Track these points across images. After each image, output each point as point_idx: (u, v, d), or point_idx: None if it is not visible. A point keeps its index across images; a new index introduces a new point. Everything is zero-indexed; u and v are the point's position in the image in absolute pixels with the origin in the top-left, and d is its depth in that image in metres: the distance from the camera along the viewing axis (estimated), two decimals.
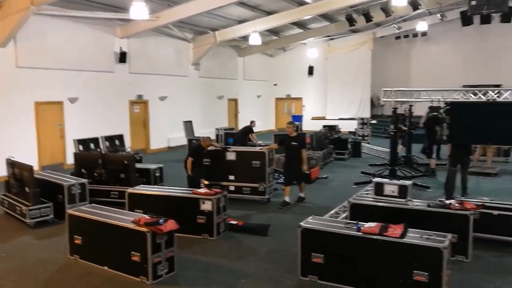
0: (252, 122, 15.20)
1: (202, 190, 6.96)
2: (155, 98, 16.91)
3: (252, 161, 8.87)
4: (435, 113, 9.54)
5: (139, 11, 11.11)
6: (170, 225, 5.25)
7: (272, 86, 25.80)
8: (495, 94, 8.79)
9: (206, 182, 8.07)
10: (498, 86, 14.06)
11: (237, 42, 20.93)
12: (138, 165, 9.49)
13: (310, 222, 5.41)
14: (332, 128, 16.32)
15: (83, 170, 8.95)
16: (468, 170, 10.71)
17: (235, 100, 22.80)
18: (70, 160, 12.13)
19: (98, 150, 11.00)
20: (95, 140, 11.46)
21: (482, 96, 8.91)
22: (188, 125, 16.14)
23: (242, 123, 22.26)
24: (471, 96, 9.04)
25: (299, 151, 8.42)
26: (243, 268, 5.62)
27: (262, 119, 24.50)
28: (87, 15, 12.99)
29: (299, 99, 25.57)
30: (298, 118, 21.36)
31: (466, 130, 7.93)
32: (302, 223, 5.30)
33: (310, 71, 24.64)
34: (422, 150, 11.77)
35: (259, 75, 24.77)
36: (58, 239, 6.70)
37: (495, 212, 6.27)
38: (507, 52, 21.18)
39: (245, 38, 18.89)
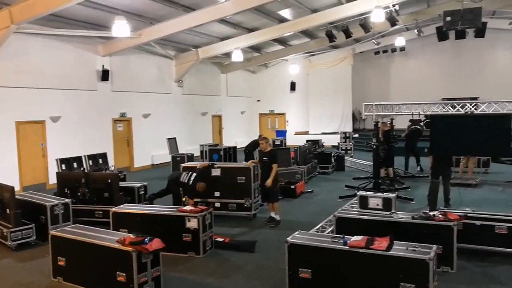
0: (260, 136, 15.32)
1: (188, 208, 6.91)
2: (138, 116, 16.84)
3: (237, 176, 8.86)
4: (416, 126, 9.75)
5: (121, 29, 11.14)
6: (156, 244, 5.19)
7: (256, 102, 26.00)
8: (473, 106, 9.01)
9: (191, 201, 8.01)
10: (475, 99, 14.46)
11: (220, 59, 21.09)
12: (122, 184, 9.40)
13: (297, 237, 5.41)
14: (315, 143, 16.47)
15: (66, 190, 8.81)
16: (450, 182, 10.93)
17: (219, 116, 22.86)
18: (52, 180, 11.94)
19: (81, 169, 10.85)
20: (78, 159, 11.30)
21: (460, 109, 9.12)
22: (172, 142, 16.09)
23: (226, 139, 22.31)
24: (450, 109, 9.25)
25: (270, 167, 8.27)
26: (230, 285, 5.58)
27: (247, 134, 24.56)
28: (68, 33, 12.94)
29: (283, 114, 25.78)
30: (282, 133, 21.51)
31: (446, 142, 8.10)
32: (289, 239, 5.30)
33: (292, 86, 24.93)
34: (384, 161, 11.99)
35: (242, 92, 24.94)
36: (41, 261, 6.55)
37: (478, 223, 6.37)
38: (482, 66, 21.88)
39: (227, 55, 19.06)
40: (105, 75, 14.96)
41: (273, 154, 8.46)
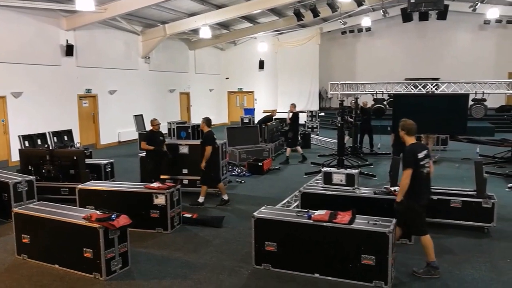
0: (292, 104, 15.65)
1: (155, 185, 6.93)
2: (104, 92, 16.48)
3: None
4: (380, 105, 10.03)
5: (85, 2, 10.80)
6: (123, 220, 5.22)
7: (224, 80, 25.84)
8: (434, 86, 9.33)
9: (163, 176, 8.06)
10: (436, 79, 14.96)
11: (188, 35, 20.75)
12: (88, 161, 9.28)
13: (263, 212, 5.55)
14: (283, 121, 16.63)
15: (30, 167, 8.62)
16: None
17: (187, 94, 22.62)
18: (15, 157, 11.61)
19: (46, 146, 10.61)
20: (42, 136, 11.02)
21: (422, 89, 9.42)
22: (139, 119, 15.88)
23: (195, 117, 22.17)
24: (412, 89, 9.54)
25: (204, 148, 8.03)
26: (198, 259, 5.69)
27: (215, 112, 24.50)
28: (28, 5, 12.40)
29: (251, 92, 25.77)
30: (250, 111, 21.56)
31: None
32: (255, 214, 5.44)
33: (261, 65, 24.91)
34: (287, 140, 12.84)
35: (211, 69, 24.72)
36: (5, 239, 6.47)
37: (435, 197, 6.68)
38: (443, 48, 22.55)
39: (195, 31, 18.77)
40: (69, 50, 14.49)
41: (206, 136, 8.11)
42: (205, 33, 16.93)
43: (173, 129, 15.67)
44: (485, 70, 20.81)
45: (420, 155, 5.03)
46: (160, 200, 6.62)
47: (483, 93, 9.19)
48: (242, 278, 5.13)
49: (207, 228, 6.93)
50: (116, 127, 16.99)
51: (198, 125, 15.87)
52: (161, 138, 8.95)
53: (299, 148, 12.95)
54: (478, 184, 6.61)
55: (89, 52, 15.53)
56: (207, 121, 8.27)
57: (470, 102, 9.32)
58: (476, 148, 13.38)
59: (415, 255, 5.70)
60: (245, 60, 25.14)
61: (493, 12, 19.35)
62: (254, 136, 12.95)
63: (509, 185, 9.25)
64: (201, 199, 8.16)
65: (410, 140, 5.20)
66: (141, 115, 16.10)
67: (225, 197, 8.34)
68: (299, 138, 14.05)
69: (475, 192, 6.63)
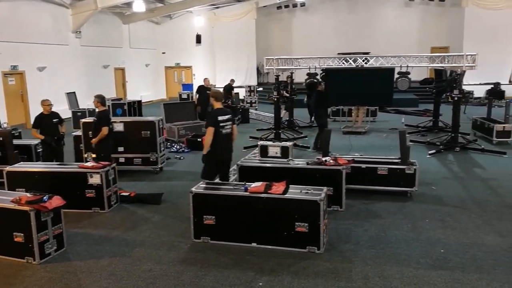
0: (232, 80, 16.54)
1: (89, 164, 6.78)
2: (32, 69, 15.56)
3: (142, 131, 8.79)
4: (313, 79, 10.35)
5: None
6: (56, 201, 5.09)
7: (161, 55, 25.24)
8: (363, 61, 9.74)
9: (93, 155, 7.79)
10: (367, 53, 15.58)
11: (121, 8, 19.94)
12: (16, 142, 8.82)
13: (201, 186, 5.65)
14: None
15: None
16: (342, 130, 11.96)
17: (122, 69, 21.88)
18: None
19: None
20: None
21: (352, 63, 9.81)
22: (72, 96, 15.21)
23: (131, 93, 21.56)
24: (343, 63, 9.91)
25: (99, 128, 7.56)
26: (137, 237, 5.70)
27: (152, 88, 23.95)
28: None
29: (189, 67, 25.39)
30: (189, 86, 21.33)
31: (340, 93, 8.78)
32: (193, 189, 5.52)
33: (198, 39, 24.52)
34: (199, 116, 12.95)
35: (146, 43, 24.01)
36: None
37: (363, 166, 7.15)
38: (373, 23, 23.44)
39: (128, 4, 18.07)
40: None
41: (101, 116, 7.61)
42: (139, 6, 16.40)
43: (108, 106, 15.20)
44: (410, 44, 21.94)
45: (221, 118, 5.98)
46: (95, 179, 6.50)
47: (407, 66, 9.77)
48: (181, 252, 5.22)
49: (145, 205, 6.91)
50: None
51: (134, 102, 15.56)
52: (54, 121, 7.95)
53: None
54: (402, 152, 7.11)
55: (12, 25, 14.53)
56: (101, 99, 7.69)
57: (396, 75, 9.89)
58: (401, 118, 14.23)
59: (346, 220, 6.09)
60: (181, 35, 24.63)
61: None
62: (191, 111, 12.89)
63: (430, 152, 10.01)
64: None
65: (217, 105, 6.16)
66: (74, 92, 15.42)
67: None
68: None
69: (400, 160, 7.13)
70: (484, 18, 20.65)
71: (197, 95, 13.41)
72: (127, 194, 7.18)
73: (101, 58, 19.85)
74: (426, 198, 6.96)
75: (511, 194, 7.11)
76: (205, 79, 13.33)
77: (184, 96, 18.42)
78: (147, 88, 23.66)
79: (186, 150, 10.93)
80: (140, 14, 20.50)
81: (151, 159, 8.82)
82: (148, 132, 8.78)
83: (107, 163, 6.88)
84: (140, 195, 7.29)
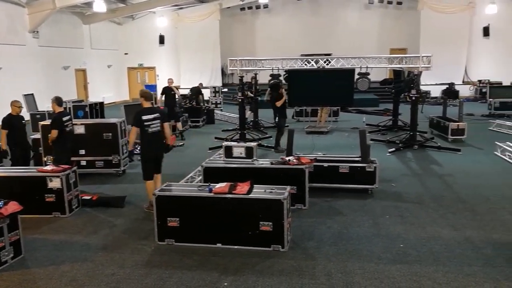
0: (200, 84, 16.96)
1: (49, 168, 6.60)
2: None
3: (103, 133, 8.63)
4: (276, 80, 10.47)
5: None
6: (12, 207, 4.92)
7: (123, 56, 24.83)
8: (325, 62, 9.95)
9: (52, 159, 7.57)
10: (329, 55, 15.90)
11: (81, 8, 19.45)
12: None
13: (164, 189, 5.61)
14: (186, 97, 16.56)
15: None
16: (305, 130, 12.16)
17: (83, 71, 21.34)
18: None
19: None
20: None
21: (314, 64, 10.00)
22: (30, 98, 14.66)
23: (93, 95, 21.07)
24: (306, 64, 10.08)
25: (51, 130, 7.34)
26: (99, 241, 5.60)
27: (115, 89, 23.50)
28: None
29: (153, 68, 25.09)
30: (152, 87, 21.06)
31: (302, 94, 8.93)
32: (156, 191, 5.48)
33: (161, 40, 24.32)
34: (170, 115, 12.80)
35: (108, 44, 23.53)
36: None
37: (326, 164, 7.30)
38: (335, 25, 23.93)
39: (88, 4, 17.65)
40: None
41: (54, 119, 7.33)
42: (100, 6, 16.05)
43: (69, 108, 14.79)
44: (370, 46, 22.54)
45: (146, 117, 6.35)
46: (55, 183, 6.33)
47: (367, 67, 10.05)
48: (145, 255, 5.17)
49: (108, 209, 6.79)
50: (3, 108, 15.48)
51: (96, 104, 15.19)
52: (23, 122, 8.03)
53: (178, 124, 12.86)
54: (362, 151, 7.31)
55: None
56: (58, 100, 7.45)
57: (356, 76, 10.16)
58: (363, 118, 14.60)
59: (309, 218, 6.20)
60: (144, 35, 24.35)
61: None
62: None
63: (390, 150, 10.34)
64: None
65: (146, 104, 6.56)
66: (32, 94, 14.89)
67: None
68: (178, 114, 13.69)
69: (360, 158, 7.32)
70: (439, 21, 21.51)
71: (163, 96, 13.25)
72: (89, 197, 7.03)
73: (61, 59, 19.29)
74: (386, 195, 7.19)
75: (465, 189, 7.44)
76: (169, 80, 13.20)
77: None
78: (110, 90, 23.18)
79: None
80: (101, 15, 20.07)
81: (114, 162, 8.68)
82: (110, 134, 8.63)
83: (67, 166, 6.72)
84: (103, 198, 7.16)
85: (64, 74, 19.68)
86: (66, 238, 5.71)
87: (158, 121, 6.47)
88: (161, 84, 23.33)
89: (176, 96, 13.49)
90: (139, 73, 25.29)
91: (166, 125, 6.68)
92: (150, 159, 6.58)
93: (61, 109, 7.52)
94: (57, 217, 6.39)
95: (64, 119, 7.34)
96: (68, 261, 5.03)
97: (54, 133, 7.21)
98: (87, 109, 14.21)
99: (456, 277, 4.47)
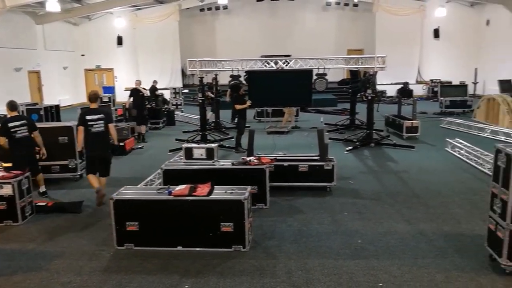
0: (154, 81, 16.97)
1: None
2: None
3: (59, 137, 8.37)
4: (236, 81, 10.50)
5: None
6: None
7: (80, 57, 24.16)
8: (284, 63, 10.08)
9: (5, 165, 7.25)
10: (288, 56, 16.12)
11: (33, 8, 18.73)
12: None
13: (122, 192, 5.51)
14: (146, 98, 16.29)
15: None
16: (266, 130, 12.29)
17: (37, 72, 20.57)
18: None
19: None
20: None
21: (273, 65, 10.11)
22: None
23: (48, 98, 20.35)
24: (265, 65, 10.17)
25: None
26: (55, 248, 5.42)
27: (72, 91, 22.82)
28: None
29: (111, 69, 24.54)
30: (110, 89, 20.64)
31: (262, 95, 9.00)
32: (114, 195, 5.37)
33: (119, 41, 23.85)
34: (135, 119, 12.68)
35: (64, 45, 22.86)
36: None
37: (285, 164, 7.41)
38: (293, 26, 24.30)
39: (41, 4, 17.02)
40: None
41: (3, 123, 7.08)
42: (53, 6, 15.52)
43: (22, 111, 14.21)
44: (328, 47, 23.02)
45: (89, 117, 6.75)
46: (6, 190, 6.09)
47: (324, 68, 10.27)
48: (104, 261, 5.06)
49: (65, 214, 6.59)
50: None
51: (52, 107, 14.68)
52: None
53: (142, 127, 12.55)
54: (320, 150, 7.46)
55: None
56: (9, 104, 7.16)
57: (315, 77, 10.35)
58: (320, 117, 14.91)
59: (270, 217, 6.26)
60: (102, 36, 23.83)
61: None
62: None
63: (347, 148, 10.60)
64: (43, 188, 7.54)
65: (92, 105, 6.98)
66: None
67: (42, 188, 7.51)
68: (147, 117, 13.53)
69: (319, 157, 7.47)
70: (393, 23, 22.29)
71: (131, 99, 12.90)
72: (44, 204, 6.80)
73: (12, 61, 18.52)
74: (344, 192, 7.37)
75: (419, 184, 7.74)
76: (136, 81, 12.85)
77: (106, 99, 17.73)
78: (66, 92, 22.49)
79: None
80: (55, 15, 19.42)
81: (70, 166, 8.45)
82: (66, 138, 8.37)
83: (19, 172, 6.47)
84: (59, 204, 6.95)
85: (16, 76, 18.91)
86: (19, 247, 5.50)
87: (102, 121, 6.79)
88: (119, 86, 23.01)
89: (146, 96, 13.21)
90: (96, 74, 24.66)
91: (111, 126, 6.98)
92: (94, 157, 6.89)
93: (14, 114, 7.22)
94: (9, 225, 6.15)
95: (11, 125, 6.95)
96: (21, 270, 4.85)
97: (1, 140, 6.93)
98: (41, 112, 13.72)
99: (410, 269, 4.64)
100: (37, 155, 7.44)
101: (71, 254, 5.24)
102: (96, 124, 6.77)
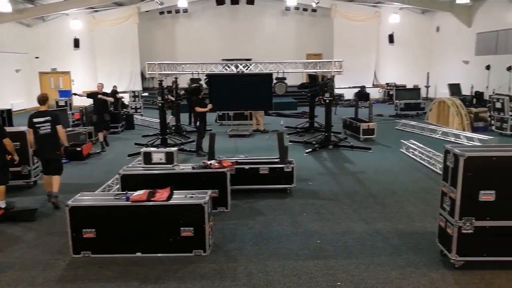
0: (114, 86, 16.93)
1: None
2: None
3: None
4: (196, 84, 10.46)
5: None
6: None
7: (34, 60, 23.29)
8: (244, 67, 10.14)
9: None
10: (249, 59, 16.20)
11: None
12: None
13: (78, 199, 5.37)
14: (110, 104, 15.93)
15: None
16: (228, 133, 12.31)
17: None
18: None
19: None
20: None
21: (234, 69, 10.15)
22: None
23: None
24: (226, 69, 10.20)
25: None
26: (6, 259, 5.19)
27: (25, 95, 21.94)
28: None
29: (67, 73, 23.81)
30: (66, 93, 20.04)
31: (223, 99, 9.02)
32: (69, 202, 5.23)
33: (76, 43, 23.22)
34: (93, 124, 12.13)
35: (16, 47, 21.94)
36: None
37: (247, 167, 7.45)
38: (254, 30, 24.53)
39: None
40: None
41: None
42: (4, 6, 14.92)
43: None
44: (288, 51, 23.35)
45: (36, 120, 6.91)
46: None
47: (283, 72, 10.42)
48: (59, 270, 4.90)
49: (17, 223, 6.34)
50: None
51: (3, 111, 14.06)
52: None
53: (100, 134, 11.75)
54: (280, 152, 7.56)
55: None
56: None
57: (274, 81, 10.47)
58: (280, 120, 15.09)
59: (231, 220, 6.28)
60: (57, 38, 23.12)
61: (292, 0, 21.69)
62: (64, 119, 11.96)
63: (307, 150, 10.79)
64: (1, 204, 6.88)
65: (42, 108, 7.09)
66: None
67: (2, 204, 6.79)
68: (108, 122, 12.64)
69: (279, 159, 7.56)
70: (350, 29, 22.94)
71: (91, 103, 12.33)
72: None
73: None
74: (304, 193, 7.49)
75: (375, 185, 7.99)
76: (98, 85, 12.36)
77: (62, 103, 17.19)
78: (19, 96, 21.60)
79: (64, 160, 10.15)
80: (6, 15, 18.64)
81: (23, 172, 8.12)
82: (19, 143, 8.02)
83: None
84: (10, 212, 6.66)
85: None
86: None
87: (49, 123, 6.94)
88: (76, 89, 22.29)
89: (108, 103, 12.42)
90: (52, 78, 23.84)
91: (59, 128, 7.08)
92: (43, 159, 7.26)
93: None
94: None
95: None
96: None
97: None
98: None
99: (367, 267, 4.79)
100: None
101: (23, 265, 5.05)
102: (43, 126, 6.91)
